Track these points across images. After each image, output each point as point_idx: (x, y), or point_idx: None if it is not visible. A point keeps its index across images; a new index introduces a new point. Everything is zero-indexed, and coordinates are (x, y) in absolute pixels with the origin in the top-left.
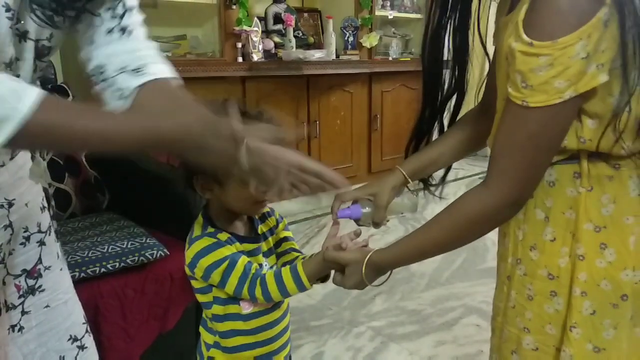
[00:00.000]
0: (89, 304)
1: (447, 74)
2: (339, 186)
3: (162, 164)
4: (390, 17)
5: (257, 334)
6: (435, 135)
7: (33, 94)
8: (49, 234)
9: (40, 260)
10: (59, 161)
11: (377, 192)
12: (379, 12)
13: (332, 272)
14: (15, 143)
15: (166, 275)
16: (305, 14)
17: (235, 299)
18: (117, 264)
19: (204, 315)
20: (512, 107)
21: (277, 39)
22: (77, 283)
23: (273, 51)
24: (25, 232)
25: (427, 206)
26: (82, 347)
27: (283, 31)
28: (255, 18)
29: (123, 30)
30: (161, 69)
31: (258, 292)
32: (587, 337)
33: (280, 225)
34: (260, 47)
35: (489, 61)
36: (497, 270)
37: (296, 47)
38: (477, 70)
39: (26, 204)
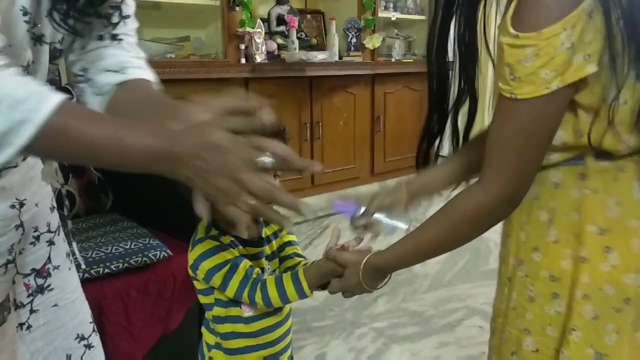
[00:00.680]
0: (93, 304)
1: (453, 77)
2: (314, 169)
3: None
4: (393, 18)
5: (258, 337)
6: (446, 141)
7: (54, 98)
8: (58, 234)
9: (49, 260)
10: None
11: (393, 202)
12: (381, 14)
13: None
14: (35, 148)
15: (169, 276)
16: (308, 16)
17: (236, 301)
18: (121, 264)
19: (206, 316)
20: (502, 101)
21: (280, 41)
22: (81, 283)
23: (276, 52)
24: (35, 231)
25: (430, 208)
26: (88, 346)
27: (286, 32)
28: (259, 19)
29: (114, 37)
30: (144, 73)
31: (258, 296)
32: (588, 341)
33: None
34: (264, 48)
35: (494, 66)
36: (499, 271)
37: (299, 49)
38: (489, 80)
39: (36, 204)
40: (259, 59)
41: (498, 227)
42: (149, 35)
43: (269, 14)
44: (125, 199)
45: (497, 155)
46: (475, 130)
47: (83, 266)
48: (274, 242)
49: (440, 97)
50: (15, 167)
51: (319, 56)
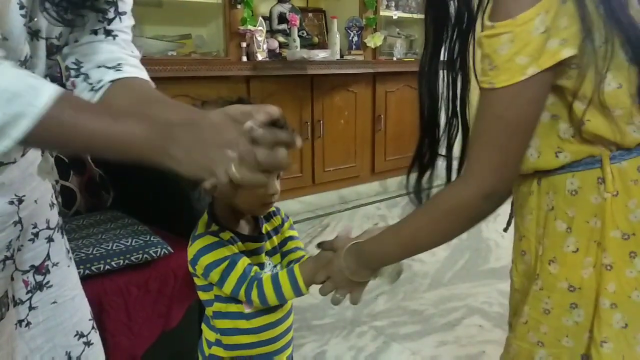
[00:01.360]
0: (93, 301)
1: (444, 107)
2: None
3: None
4: (394, 17)
5: (259, 333)
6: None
7: (50, 90)
8: (57, 231)
9: (48, 257)
10: (64, 159)
11: None
12: (383, 13)
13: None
14: (31, 140)
15: (170, 273)
16: (310, 14)
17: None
18: (121, 261)
19: (206, 312)
20: (482, 94)
21: (281, 39)
22: (81, 280)
23: (277, 51)
24: (34, 228)
25: None
26: (88, 344)
27: (287, 31)
28: (260, 18)
29: (108, 32)
30: (140, 72)
31: (254, 294)
32: (620, 351)
33: (286, 225)
34: (265, 46)
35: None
36: (518, 289)
37: (300, 47)
38: None
39: (35, 201)
40: (260, 57)
41: (498, 227)
42: (150, 33)
43: (270, 12)
44: (126, 196)
45: (476, 147)
46: None
47: None
48: (274, 237)
49: (430, 125)
50: (15, 163)
51: (320, 54)
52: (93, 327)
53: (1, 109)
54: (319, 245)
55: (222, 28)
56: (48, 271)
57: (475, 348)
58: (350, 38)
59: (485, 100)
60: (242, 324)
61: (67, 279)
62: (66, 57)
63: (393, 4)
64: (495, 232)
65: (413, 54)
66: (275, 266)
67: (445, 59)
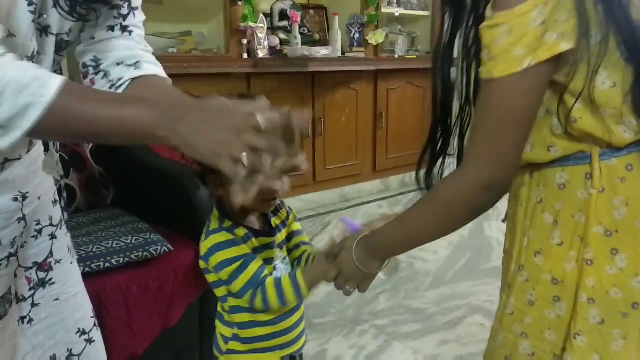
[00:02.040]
0: (93, 298)
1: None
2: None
3: (167, 160)
4: (396, 14)
5: (275, 325)
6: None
7: (56, 80)
8: (60, 228)
9: (51, 254)
10: (65, 156)
11: None
12: (385, 9)
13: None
14: (40, 130)
15: (170, 271)
16: (311, 11)
17: None
18: (122, 259)
19: (219, 309)
20: (482, 85)
21: (282, 36)
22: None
23: (278, 48)
24: (37, 225)
25: None
26: (89, 341)
27: (289, 28)
28: (261, 14)
29: (124, 29)
30: (158, 70)
31: (258, 300)
32: (594, 346)
33: (291, 217)
34: (266, 43)
35: None
36: (502, 277)
37: (302, 44)
38: None
39: (39, 198)
40: (261, 54)
41: (501, 226)
42: (150, 30)
43: (271, 8)
44: (126, 193)
45: (475, 138)
46: None
47: None
48: (283, 230)
49: (443, 114)
50: (19, 159)
51: (321, 52)
52: (95, 325)
53: (9, 101)
54: (327, 257)
55: (223, 25)
56: (51, 268)
57: (477, 347)
58: (352, 35)
59: (484, 90)
60: (260, 316)
61: (69, 276)
62: (83, 55)
63: (395, 1)
64: (498, 231)
65: (415, 51)
66: (285, 258)
67: (461, 46)
